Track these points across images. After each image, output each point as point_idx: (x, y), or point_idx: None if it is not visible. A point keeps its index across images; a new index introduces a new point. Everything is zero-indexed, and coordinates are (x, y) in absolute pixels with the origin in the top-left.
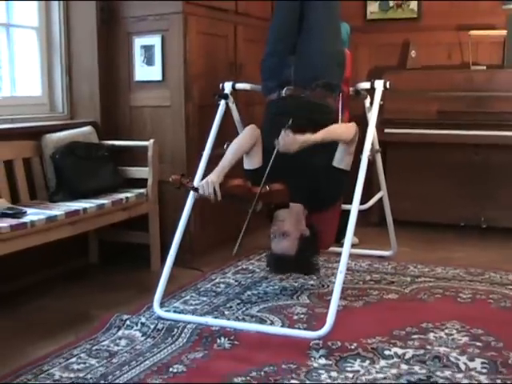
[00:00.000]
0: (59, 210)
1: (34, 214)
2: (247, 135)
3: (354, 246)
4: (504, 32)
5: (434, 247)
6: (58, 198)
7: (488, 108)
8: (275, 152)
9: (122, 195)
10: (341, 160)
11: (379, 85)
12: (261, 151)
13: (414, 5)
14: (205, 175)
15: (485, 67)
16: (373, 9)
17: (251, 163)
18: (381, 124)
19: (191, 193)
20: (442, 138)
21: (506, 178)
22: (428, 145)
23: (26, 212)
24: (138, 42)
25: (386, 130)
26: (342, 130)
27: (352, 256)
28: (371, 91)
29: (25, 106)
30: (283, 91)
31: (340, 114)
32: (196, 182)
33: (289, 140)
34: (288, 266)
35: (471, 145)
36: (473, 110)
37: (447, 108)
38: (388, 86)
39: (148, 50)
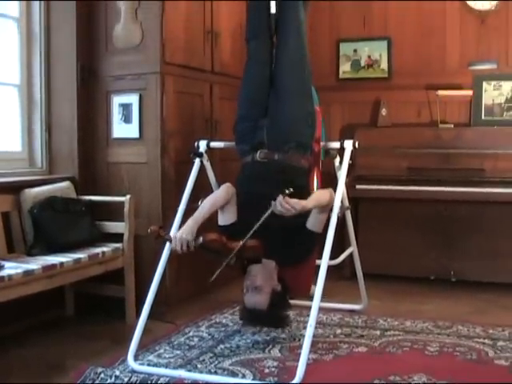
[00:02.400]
0: (36, 263)
1: (11, 268)
2: (222, 192)
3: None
4: (470, 92)
5: (404, 300)
6: (36, 252)
7: (456, 165)
8: (269, 212)
9: (99, 249)
10: (315, 223)
11: (348, 145)
12: (235, 208)
13: (384, 65)
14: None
15: (452, 125)
16: (345, 68)
17: (225, 219)
18: (352, 180)
19: (166, 246)
20: (411, 193)
21: (475, 232)
22: (399, 199)
23: (3, 265)
24: (117, 100)
25: (358, 186)
26: (327, 197)
27: (323, 310)
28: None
29: (4, 161)
30: (257, 154)
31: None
32: (172, 235)
33: (287, 207)
34: (260, 320)
35: (440, 199)
36: (441, 166)
37: (417, 164)
38: (357, 146)
39: (126, 108)
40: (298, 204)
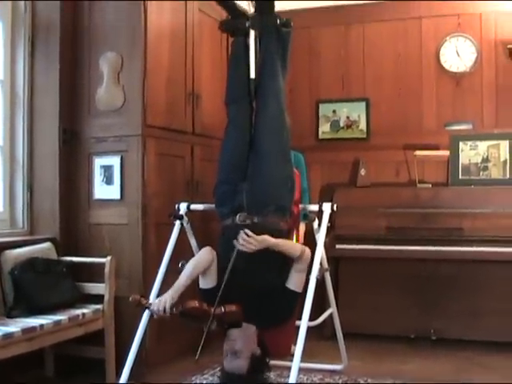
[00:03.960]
0: (16, 326)
1: None
2: (203, 257)
3: None
4: (447, 152)
5: (385, 359)
6: (16, 314)
7: (434, 224)
8: (235, 253)
9: (79, 311)
10: (295, 281)
11: (327, 207)
12: (216, 272)
13: (363, 125)
14: (160, 292)
15: (430, 185)
16: (324, 129)
17: (206, 283)
18: (332, 239)
19: (146, 313)
20: (391, 253)
21: (454, 290)
22: (378, 258)
23: None
24: (98, 162)
25: (338, 246)
26: (297, 249)
27: (304, 370)
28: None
29: None
30: (237, 217)
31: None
32: (151, 299)
33: (248, 239)
34: None
35: (420, 258)
36: (420, 225)
37: (396, 224)
38: (335, 209)
39: (107, 169)
40: (259, 236)
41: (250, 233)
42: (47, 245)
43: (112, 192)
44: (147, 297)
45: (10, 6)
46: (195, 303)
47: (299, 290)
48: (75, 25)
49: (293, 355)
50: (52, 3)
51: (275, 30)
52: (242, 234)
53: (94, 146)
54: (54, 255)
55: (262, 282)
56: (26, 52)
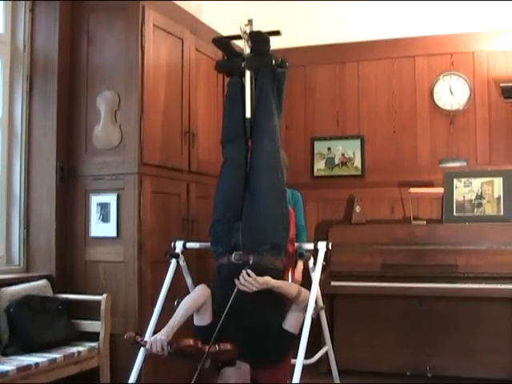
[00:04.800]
0: (11, 364)
1: None
2: (198, 295)
3: None
4: (441, 189)
5: None
6: (11, 352)
7: (429, 261)
8: (234, 292)
9: (74, 349)
10: (291, 323)
11: (322, 246)
12: (211, 309)
13: (358, 163)
14: (156, 330)
15: (425, 222)
16: (320, 166)
17: (201, 320)
18: (328, 276)
19: (141, 351)
20: (386, 290)
21: (451, 327)
22: (374, 295)
23: None
24: (95, 200)
25: (333, 283)
26: (295, 289)
27: None
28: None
29: None
30: (232, 256)
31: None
32: (147, 337)
33: (249, 279)
34: None
35: (415, 295)
36: (415, 262)
37: (391, 261)
38: (330, 247)
39: (104, 207)
40: (261, 278)
41: (251, 273)
42: (43, 282)
43: (108, 229)
44: (143, 334)
45: (9, 44)
46: (190, 341)
47: (295, 331)
48: (73, 63)
49: None
50: (50, 42)
51: (271, 71)
52: (243, 274)
53: (91, 183)
54: (49, 292)
55: (257, 321)
56: (24, 90)
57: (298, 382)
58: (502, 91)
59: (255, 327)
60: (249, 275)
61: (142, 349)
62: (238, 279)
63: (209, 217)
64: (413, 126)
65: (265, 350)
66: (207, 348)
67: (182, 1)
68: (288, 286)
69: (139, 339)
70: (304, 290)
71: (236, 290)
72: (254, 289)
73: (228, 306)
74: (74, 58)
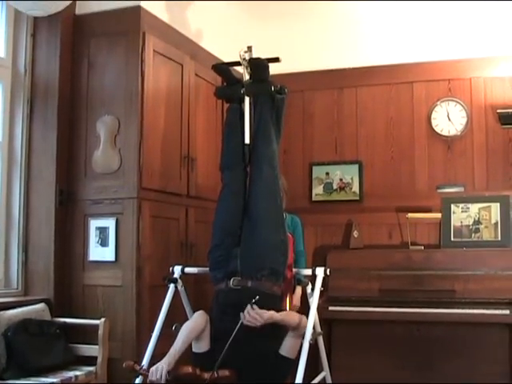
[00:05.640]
0: None
1: None
2: (197, 322)
3: None
4: (439, 214)
5: None
6: (8, 376)
7: (427, 286)
8: (239, 325)
9: (72, 373)
10: (288, 349)
11: (320, 272)
12: (209, 336)
13: (356, 188)
14: (154, 355)
15: (423, 247)
16: (318, 191)
17: (200, 347)
18: (325, 301)
19: (138, 379)
20: (384, 315)
21: (448, 353)
22: (371, 320)
23: None
24: (94, 224)
25: (331, 308)
26: (296, 318)
27: None
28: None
29: None
30: (230, 282)
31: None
32: (145, 362)
33: (254, 315)
34: None
35: (413, 320)
36: (413, 288)
37: (389, 286)
38: (328, 273)
39: (102, 231)
40: (266, 313)
41: (256, 308)
42: (41, 306)
43: (107, 254)
44: (140, 360)
45: (10, 68)
46: (188, 368)
47: (292, 356)
48: (73, 88)
49: None
50: (51, 67)
51: (269, 97)
52: (248, 309)
53: (90, 207)
54: (47, 316)
55: (255, 347)
56: (25, 114)
57: None
58: (498, 117)
59: (253, 353)
60: (254, 310)
61: (139, 377)
62: (243, 312)
63: (207, 241)
64: (411, 151)
65: (262, 375)
66: (206, 375)
67: (182, 26)
68: (290, 316)
69: (137, 367)
70: (304, 319)
71: (240, 323)
72: (259, 324)
73: (230, 339)
74: (74, 83)
